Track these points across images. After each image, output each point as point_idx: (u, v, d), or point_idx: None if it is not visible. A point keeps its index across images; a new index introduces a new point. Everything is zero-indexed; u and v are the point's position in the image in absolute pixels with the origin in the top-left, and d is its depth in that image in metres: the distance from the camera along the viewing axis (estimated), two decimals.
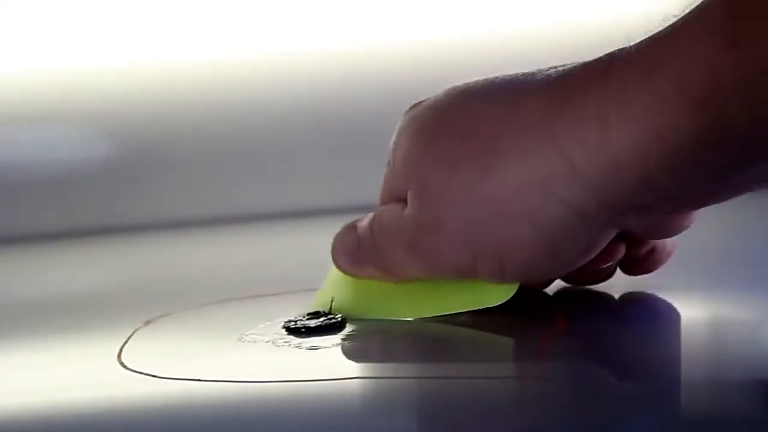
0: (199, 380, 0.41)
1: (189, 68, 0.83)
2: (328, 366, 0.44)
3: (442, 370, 0.42)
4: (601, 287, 0.47)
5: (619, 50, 0.39)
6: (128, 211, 0.82)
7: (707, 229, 0.69)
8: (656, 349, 0.43)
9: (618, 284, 0.47)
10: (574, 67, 0.41)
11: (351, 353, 0.45)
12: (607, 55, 0.40)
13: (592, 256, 0.42)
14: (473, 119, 0.42)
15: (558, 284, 0.47)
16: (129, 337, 0.47)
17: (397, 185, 0.44)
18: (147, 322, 0.50)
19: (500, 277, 0.42)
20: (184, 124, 0.82)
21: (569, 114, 0.39)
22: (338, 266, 0.46)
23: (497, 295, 0.43)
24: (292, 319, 0.46)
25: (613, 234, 0.42)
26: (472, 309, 0.44)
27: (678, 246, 0.46)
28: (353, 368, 0.43)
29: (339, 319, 0.46)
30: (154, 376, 0.42)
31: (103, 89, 0.82)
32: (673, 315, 0.48)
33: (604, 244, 0.42)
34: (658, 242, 0.45)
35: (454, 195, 0.42)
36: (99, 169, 0.82)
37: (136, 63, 0.82)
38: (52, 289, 0.67)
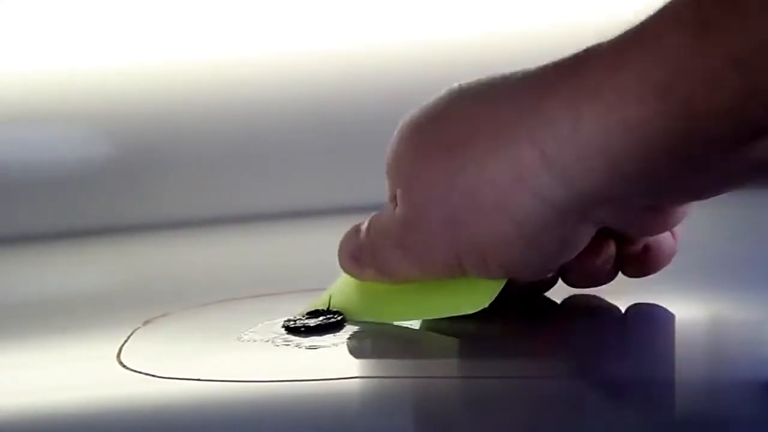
0: (199, 380, 0.41)
1: (189, 68, 0.83)
2: (328, 365, 0.44)
3: (442, 369, 0.42)
4: (607, 296, 0.47)
5: (594, 45, 0.40)
6: (128, 211, 0.82)
7: (707, 229, 0.69)
8: (656, 349, 0.43)
9: (620, 290, 0.47)
10: (551, 63, 0.41)
11: (350, 352, 0.45)
12: (582, 50, 0.40)
13: (574, 251, 0.42)
14: (455, 118, 0.43)
15: (566, 290, 0.47)
16: (128, 337, 0.47)
17: (390, 186, 0.44)
18: (146, 322, 0.50)
19: (485, 272, 0.42)
20: (184, 124, 0.82)
21: (543, 108, 0.40)
22: (343, 268, 0.46)
23: (481, 297, 0.43)
24: (292, 318, 0.46)
25: (592, 230, 0.42)
26: (463, 312, 0.44)
27: (677, 249, 0.46)
28: (353, 367, 0.43)
29: (338, 318, 0.46)
30: (153, 375, 0.42)
31: (103, 89, 0.82)
32: (672, 318, 0.48)
33: (584, 240, 0.42)
34: (653, 242, 0.45)
35: (434, 191, 0.42)
36: (99, 169, 0.82)
37: (136, 63, 0.82)
38: (52, 289, 0.67)
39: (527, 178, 0.40)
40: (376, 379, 0.42)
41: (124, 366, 0.44)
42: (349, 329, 0.46)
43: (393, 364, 0.44)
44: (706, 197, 0.42)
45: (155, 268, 0.70)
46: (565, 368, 0.41)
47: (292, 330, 0.46)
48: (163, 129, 0.82)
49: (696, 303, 0.51)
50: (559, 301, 0.47)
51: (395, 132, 0.45)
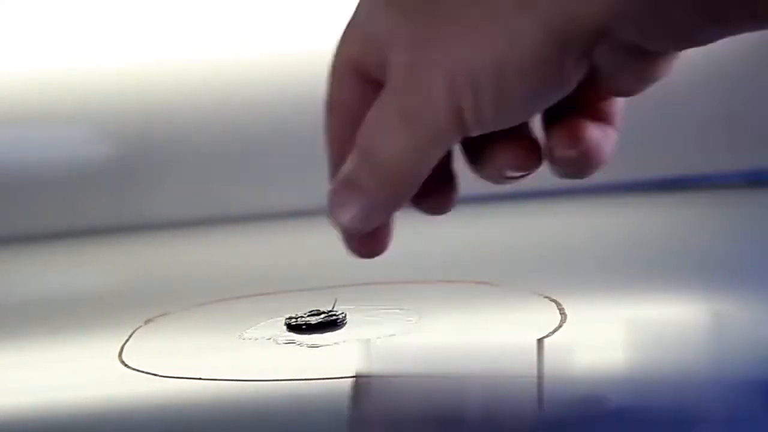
0: (200, 378, 0.41)
1: (189, 68, 0.83)
2: (329, 364, 0.44)
3: (442, 368, 0.42)
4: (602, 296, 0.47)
5: None
6: (128, 211, 0.82)
7: (707, 229, 0.69)
8: (656, 349, 0.43)
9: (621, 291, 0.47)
10: None
11: (352, 351, 0.45)
12: None
13: (565, 91, 0.41)
14: None
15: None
16: (130, 336, 0.47)
17: (375, 61, 0.41)
18: (147, 321, 0.50)
19: (477, 108, 0.40)
20: (183, 124, 0.82)
21: None
22: (341, 224, 0.44)
23: None
24: (293, 316, 0.46)
25: (584, 70, 0.40)
26: None
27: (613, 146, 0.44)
28: (354, 366, 0.43)
29: (340, 316, 0.46)
30: (155, 374, 0.42)
31: (103, 89, 0.82)
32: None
33: (576, 80, 0.41)
34: (592, 134, 0.43)
35: (439, 23, 0.40)
36: (99, 169, 0.82)
37: (136, 63, 0.82)
38: (53, 289, 0.67)
39: (530, 5, 0.39)
40: (377, 378, 0.42)
41: (126, 365, 0.44)
42: (350, 328, 0.46)
43: (394, 363, 0.44)
44: (699, 44, 0.41)
45: (155, 267, 0.70)
46: (564, 368, 0.41)
47: (294, 328, 0.46)
48: (163, 129, 0.82)
49: (696, 303, 0.51)
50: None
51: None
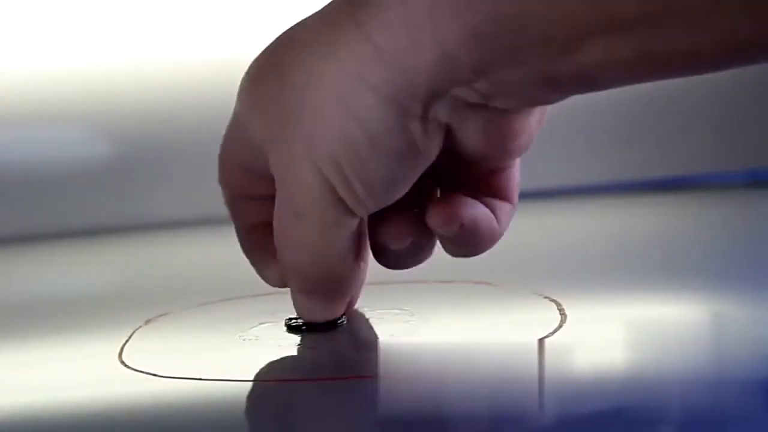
0: (201, 379, 0.41)
1: (189, 68, 0.83)
2: (330, 364, 0.44)
3: (442, 368, 0.42)
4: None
5: None
6: (128, 211, 0.82)
7: (707, 229, 0.69)
8: (656, 349, 0.43)
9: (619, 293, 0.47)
10: None
11: (352, 351, 0.45)
12: None
13: (427, 158, 0.41)
14: (290, 44, 0.42)
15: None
16: (130, 336, 0.47)
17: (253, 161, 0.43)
18: (148, 322, 0.50)
19: (351, 191, 0.41)
20: (183, 124, 0.82)
21: (372, 3, 0.39)
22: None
23: None
24: (293, 316, 0.46)
25: (437, 133, 0.40)
26: None
27: (501, 232, 0.44)
28: (354, 367, 0.44)
29: (340, 316, 0.46)
30: (155, 375, 0.42)
31: (103, 89, 0.82)
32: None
33: (433, 146, 0.40)
34: (472, 219, 0.44)
35: (291, 119, 0.41)
36: (99, 169, 0.82)
37: (136, 63, 0.82)
38: (52, 289, 0.67)
39: (366, 74, 0.39)
40: (377, 378, 0.42)
41: (126, 365, 0.44)
42: (350, 328, 0.46)
43: (394, 362, 0.44)
44: (540, 103, 0.41)
45: (155, 267, 0.70)
46: (564, 368, 0.41)
47: (294, 329, 0.46)
48: (163, 129, 0.82)
49: (696, 303, 0.51)
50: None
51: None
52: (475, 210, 0.43)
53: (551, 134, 0.51)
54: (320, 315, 0.45)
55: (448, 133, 0.41)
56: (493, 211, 0.44)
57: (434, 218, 0.43)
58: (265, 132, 0.42)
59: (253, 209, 0.45)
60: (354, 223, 0.42)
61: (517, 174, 0.45)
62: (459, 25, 0.38)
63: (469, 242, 0.43)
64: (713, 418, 0.36)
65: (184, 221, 0.80)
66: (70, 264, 0.75)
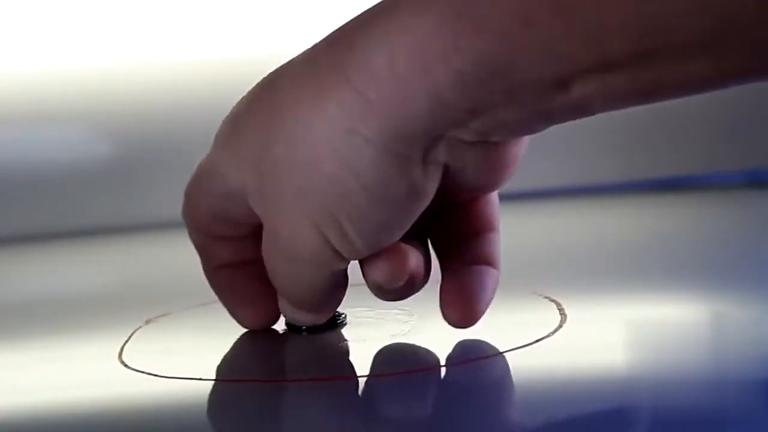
0: (200, 379, 0.41)
1: (188, 68, 0.83)
2: (330, 364, 0.44)
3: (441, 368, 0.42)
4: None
5: None
6: (128, 211, 0.82)
7: (707, 229, 0.69)
8: (656, 349, 0.43)
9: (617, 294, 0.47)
10: (366, 10, 0.40)
11: (352, 351, 0.45)
12: None
13: (425, 199, 0.41)
14: (274, 94, 0.41)
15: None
16: (130, 337, 0.47)
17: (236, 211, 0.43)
18: (148, 322, 0.50)
19: (348, 243, 0.41)
20: (184, 124, 0.82)
21: (358, 53, 0.39)
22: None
23: None
24: None
25: (437, 173, 0.40)
26: None
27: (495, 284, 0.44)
28: (355, 366, 0.44)
29: (340, 316, 0.46)
30: (155, 375, 0.42)
31: (103, 89, 0.82)
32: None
33: (432, 186, 0.41)
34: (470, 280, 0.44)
35: (282, 172, 0.40)
36: (99, 169, 0.82)
37: (136, 63, 0.82)
38: (52, 289, 0.67)
39: (357, 127, 0.39)
40: (377, 378, 0.42)
41: (126, 365, 0.44)
42: (350, 328, 0.46)
43: (395, 361, 0.44)
44: (532, 132, 0.41)
45: (155, 267, 0.70)
46: (565, 368, 0.41)
47: (294, 328, 0.46)
48: (163, 129, 0.82)
49: (696, 303, 0.51)
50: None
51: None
52: (418, 261, 0.43)
53: (551, 135, 0.51)
54: (302, 320, 0.45)
55: (445, 171, 0.41)
56: (480, 278, 0.44)
57: (453, 314, 0.43)
58: (250, 184, 0.42)
59: (222, 249, 0.45)
60: (347, 264, 0.42)
61: (496, 197, 0.45)
62: (448, 70, 0.37)
63: (404, 294, 0.44)
64: (713, 418, 0.36)
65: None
66: (70, 264, 0.75)
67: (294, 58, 0.42)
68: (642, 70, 0.36)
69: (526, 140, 0.43)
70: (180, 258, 0.73)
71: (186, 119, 0.82)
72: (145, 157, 0.82)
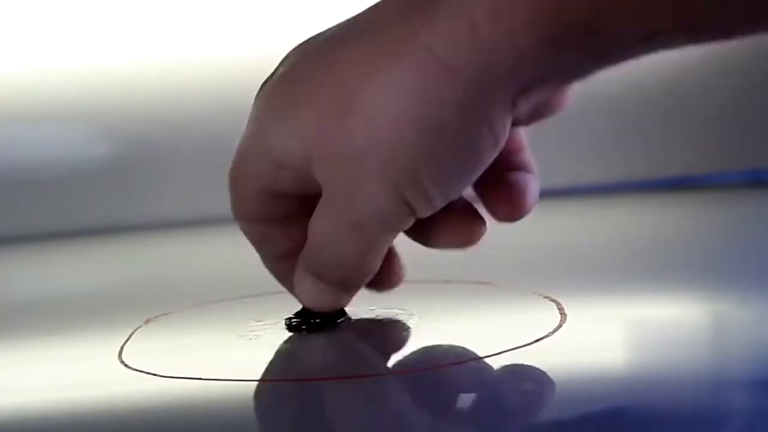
0: (200, 378, 0.41)
1: (188, 68, 0.83)
2: (330, 363, 0.44)
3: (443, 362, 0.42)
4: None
5: None
6: (128, 211, 0.82)
7: (707, 229, 0.69)
8: (656, 349, 0.43)
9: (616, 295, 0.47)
10: None
11: (352, 351, 0.45)
12: None
13: (500, 142, 0.41)
14: (335, 67, 0.41)
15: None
16: (130, 336, 0.47)
17: (295, 172, 0.43)
18: (147, 321, 0.50)
19: (427, 200, 0.41)
20: (184, 124, 0.82)
21: (436, 21, 0.39)
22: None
23: None
24: (293, 316, 0.46)
25: (511, 119, 0.41)
26: None
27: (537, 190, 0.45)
28: (355, 365, 0.44)
29: (341, 316, 0.46)
30: (155, 374, 0.42)
31: (103, 89, 0.82)
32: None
33: (507, 131, 0.41)
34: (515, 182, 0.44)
35: (359, 143, 0.40)
36: (99, 169, 0.82)
37: (136, 63, 0.82)
38: (53, 289, 0.67)
39: (442, 97, 0.39)
40: (378, 377, 0.42)
41: (126, 365, 0.44)
42: (351, 327, 0.46)
43: (394, 360, 0.44)
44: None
45: (155, 267, 0.70)
46: (565, 366, 0.41)
47: (294, 328, 0.46)
48: (163, 129, 0.82)
49: (696, 303, 0.51)
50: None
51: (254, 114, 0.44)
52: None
53: (552, 134, 0.51)
54: (325, 304, 0.45)
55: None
56: (524, 178, 0.44)
57: (502, 207, 0.44)
58: (317, 153, 0.42)
59: (279, 237, 0.45)
60: (410, 223, 0.42)
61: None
62: (532, 33, 0.38)
63: (521, 213, 0.44)
64: (713, 418, 0.35)
65: (184, 221, 0.80)
66: (70, 264, 0.75)
67: (341, 27, 0.42)
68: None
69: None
70: (180, 258, 0.73)
71: (186, 119, 0.82)
72: (145, 157, 0.83)
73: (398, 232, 0.43)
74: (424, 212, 0.42)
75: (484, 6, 0.38)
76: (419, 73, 0.39)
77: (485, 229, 0.44)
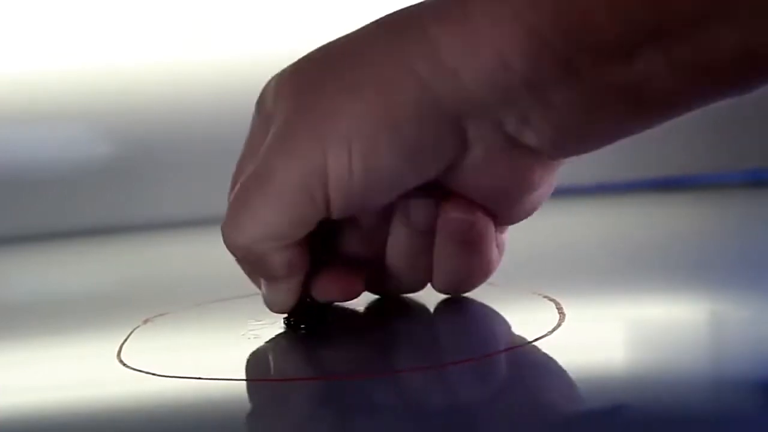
0: (199, 378, 0.41)
1: (188, 68, 0.83)
2: (330, 363, 0.44)
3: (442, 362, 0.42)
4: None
5: None
6: (128, 211, 0.82)
7: (707, 229, 0.69)
8: (656, 349, 0.43)
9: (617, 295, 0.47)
10: None
11: (351, 350, 0.45)
12: None
13: (442, 161, 0.41)
14: (352, 42, 0.42)
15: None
16: (128, 336, 0.47)
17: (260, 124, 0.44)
18: (146, 321, 0.50)
19: (347, 172, 0.41)
20: (183, 124, 0.82)
21: (439, 9, 0.40)
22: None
23: None
24: (291, 315, 0.46)
25: (459, 143, 0.41)
26: None
27: (494, 267, 0.46)
28: (355, 365, 0.44)
29: (329, 312, 0.46)
30: (153, 374, 0.42)
31: (103, 89, 0.82)
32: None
33: (451, 152, 0.41)
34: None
35: (318, 90, 0.41)
36: (99, 169, 0.82)
37: (136, 63, 0.83)
38: (52, 289, 0.67)
39: (416, 65, 0.40)
40: (377, 377, 0.42)
41: (125, 364, 0.44)
42: (350, 326, 0.46)
43: (394, 360, 0.44)
44: (568, 154, 0.42)
45: (155, 267, 0.70)
46: (566, 365, 0.41)
47: (293, 327, 0.46)
48: (163, 129, 0.82)
49: (696, 303, 0.51)
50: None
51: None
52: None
53: None
54: (276, 305, 0.45)
55: (464, 162, 0.41)
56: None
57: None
58: (290, 98, 0.42)
59: (294, 257, 0.44)
60: (322, 216, 0.42)
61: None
62: (518, 26, 0.38)
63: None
64: (713, 418, 0.35)
65: (184, 221, 0.80)
66: (70, 264, 0.75)
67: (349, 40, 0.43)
68: (705, 38, 0.37)
69: (546, 188, 0.44)
70: (179, 258, 0.73)
71: (186, 119, 0.82)
72: (145, 157, 0.83)
73: (306, 225, 0.42)
74: (343, 195, 0.41)
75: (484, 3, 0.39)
76: (407, 42, 0.40)
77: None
